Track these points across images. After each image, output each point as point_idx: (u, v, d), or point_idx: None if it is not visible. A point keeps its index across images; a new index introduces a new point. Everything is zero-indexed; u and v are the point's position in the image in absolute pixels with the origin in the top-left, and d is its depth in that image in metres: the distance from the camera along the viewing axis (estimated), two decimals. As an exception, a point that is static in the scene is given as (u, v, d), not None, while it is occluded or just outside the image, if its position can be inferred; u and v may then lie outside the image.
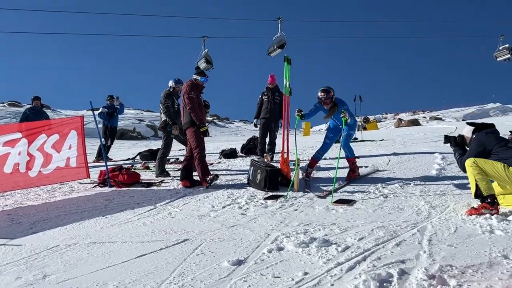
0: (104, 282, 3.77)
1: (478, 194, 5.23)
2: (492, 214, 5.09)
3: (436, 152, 10.33)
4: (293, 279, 3.65)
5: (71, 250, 4.71)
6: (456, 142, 5.75)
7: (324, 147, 8.11)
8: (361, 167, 8.65)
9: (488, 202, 5.18)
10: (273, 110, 10.48)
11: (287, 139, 8.15)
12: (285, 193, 6.75)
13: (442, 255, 4.02)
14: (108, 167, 8.57)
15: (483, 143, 5.36)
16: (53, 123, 8.59)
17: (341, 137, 7.86)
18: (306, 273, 3.74)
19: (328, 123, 8.43)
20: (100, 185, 8.39)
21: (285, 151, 8.06)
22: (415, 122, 36.42)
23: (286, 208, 5.98)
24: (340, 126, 7.67)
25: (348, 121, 7.23)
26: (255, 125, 11.50)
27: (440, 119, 49.84)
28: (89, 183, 8.63)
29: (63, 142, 7.94)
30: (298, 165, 7.44)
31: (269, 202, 6.40)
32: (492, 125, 5.72)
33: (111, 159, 12.88)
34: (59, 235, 5.33)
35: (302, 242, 4.47)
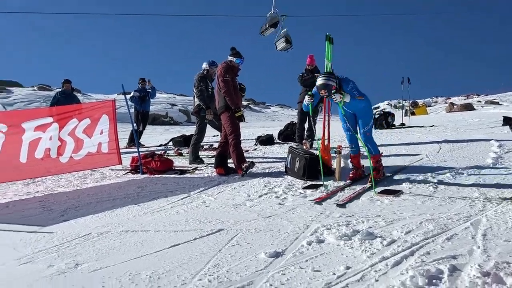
0: (136, 271, 3.84)
1: None
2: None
3: (492, 139, 9.99)
4: (334, 273, 3.62)
5: (103, 239, 4.80)
6: None
7: (351, 140, 6.92)
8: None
9: None
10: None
11: (328, 124, 8.07)
12: (326, 183, 6.70)
13: (498, 251, 3.91)
14: (140, 153, 8.73)
15: None
16: (84, 107, 8.75)
17: (358, 129, 6.79)
18: (348, 268, 3.71)
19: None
20: (132, 172, 8.55)
21: (326, 137, 7.99)
22: (468, 107, 35.36)
23: (326, 199, 5.94)
24: (350, 112, 6.70)
25: (343, 101, 6.26)
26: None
27: (497, 103, 48.05)
28: (120, 170, 8.83)
29: (95, 127, 8.09)
30: (340, 152, 7.37)
31: (308, 191, 6.36)
32: None
33: (143, 145, 13.06)
34: (91, 223, 5.45)
35: (344, 234, 4.43)
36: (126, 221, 5.45)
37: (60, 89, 13.02)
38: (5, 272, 4.06)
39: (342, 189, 6.36)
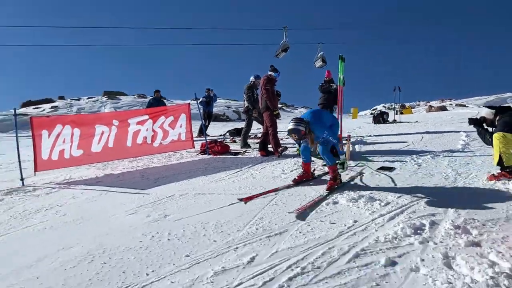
0: (206, 221, 3.96)
1: (499, 163, 4.88)
2: (509, 180, 4.76)
3: (461, 131, 9.69)
4: (345, 225, 3.65)
5: (183, 198, 4.94)
6: (479, 122, 5.37)
7: (304, 149, 5.43)
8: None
9: (507, 171, 4.84)
10: (329, 98, 10.27)
11: (340, 120, 7.98)
12: (339, 161, 6.64)
13: (466, 211, 3.84)
14: (207, 140, 8.88)
15: (509, 122, 4.95)
16: (169, 108, 8.92)
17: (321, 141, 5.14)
18: (355, 221, 3.73)
19: None
20: (201, 153, 8.67)
21: (340, 130, 7.92)
22: (443, 108, 34.17)
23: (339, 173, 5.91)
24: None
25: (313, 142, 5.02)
26: None
27: (464, 105, 46.47)
28: (193, 152, 8.91)
29: (176, 122, 8.27)
30: (349, 140, 7.29)
31: (327, 168, 6.35)
32: (509, 108, 5.30)
33: (208, 135, 13.22)
34: (174, 187, 5.60)
35: (352, 198, 4.43)
36: (198, 186, 5.56)
37: (152, 97, 13.30)
38: (118, 220, 4.25)
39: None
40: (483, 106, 5.99)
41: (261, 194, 4.81)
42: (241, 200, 4.64)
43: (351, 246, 3.15)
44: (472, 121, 5.46)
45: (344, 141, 7.57)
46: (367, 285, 2.57)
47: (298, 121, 4.86)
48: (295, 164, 6.77)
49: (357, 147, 8.36)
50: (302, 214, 3.97)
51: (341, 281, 2.64)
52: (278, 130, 8.21)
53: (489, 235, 3.23)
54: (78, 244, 3.57)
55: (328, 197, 4.57)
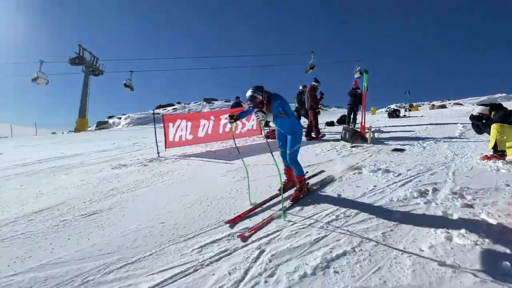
0: (271, 182, 3.97)
1: (494, 148, 4.32)
2: (499, 160, 4.19)
3: (458, 123, 8.62)
4: (367, 188, 3.49)
5: (255, 167, 4.94)
6: (479, 118, 4.75)
7: (283, 156, 3.70)
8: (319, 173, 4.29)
9: (499, 153, 4.26)
10: (355, 100, 9.73)
11: (364, 115, 7.53)
12: (363, 144, 6.33)
13: (462, 181, 3.47)
14: (269, 130, 8.84)
15: (506, 115, 4.33)
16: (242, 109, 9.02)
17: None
18: (375, 186, 3.55)
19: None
20: (266, 138, 8.62)
21: (363, 122, 7.48)
22: (443, 106, 30.56)
23: (362, 153, 5.60)
24: (282, 131, 3.53)
25: (265, 120, 3.18)
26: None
27: (461, 104, 41.06)
28: (261, 137, 8.84)
29: (250, 117, 8.33)
30: (370, 129, 6.88)
31: (354, 149, 6.05)
32: (501, 105, 4.62)
33: (270, 126, 13.16)
34: (250, 159, 5.55)
35: (373, 170, 4.20)
36: (265, 159, 5.50)
37: (234, 101, 13.55)
38: (215, 179, 4.42)
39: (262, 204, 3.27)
40: (477, 105, 5.27)
41: (245, 215, 2.99)
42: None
43: (372, 203, 3.03)
44: (473, 117, 4.86)
45: (366, 130, 7.16)
46: (384, 230, 2.47)
47: (255, 88, 3.21)
48: (330, 146, 6.54)
49: (376, 135, 7.86)
50: (250, 237, 2.54)
51: (365, 226, 2.56)
52: (318, 122, 7.98)
53: (481, 200, 2.90)
54: (191, 193, 3.83)
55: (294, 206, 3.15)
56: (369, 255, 2.16)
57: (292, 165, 3.40)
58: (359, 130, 7.37)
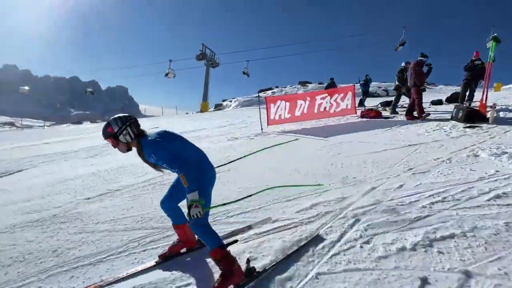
0: (366, 160, 3.72)
1: None
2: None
3: None
4: (486, 173, 2.82)
5: (350, 144, 4.69)
6: None
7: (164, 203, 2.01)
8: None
9: None
10: (474, 74, 7.53)
11: (487, 91, 5.83)
12: (482, 125, 4.96)
13: None
14: (365, 108, 8.04)
15: None
16: (340, 89, 8.41)
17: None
18: (497, 171, 2.82)
19: None
20: (361, 117, 7.93)
21: (484, 99, 5.82)
22: None
23: (481, 134, 4.44)
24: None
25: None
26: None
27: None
28: (355, 116, 8.21)
29: (345, 97, 7.70)
30: (494, 107, 5.29)
31: (468, 130, 4.86)
32: None
33: (365, 106, 11.99)
34: (340, 138, 5.25)
35: (495, 153, 3.31)
36: (360, 137, 5.12)
37: (328, 82, 12.84)
38: (311, 154, 4.38)
39: None
40: None
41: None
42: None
43: (492, 189, 2.42)
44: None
45: (488, 109, 5.55)
46: (507, 219, 1.96)
47: (117, 119, 1.81)
48: (437, 126, 5.43)
49: (501, 114, 5.99)
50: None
51: (480, 212, 2.10)
52: (422, 101, 6.68)
53: None
54: (291, 162, 3.96)
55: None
56: (485, 242, 1.77)
57: (197, 234, 1.74)
58: (477, 108, 5.80)
